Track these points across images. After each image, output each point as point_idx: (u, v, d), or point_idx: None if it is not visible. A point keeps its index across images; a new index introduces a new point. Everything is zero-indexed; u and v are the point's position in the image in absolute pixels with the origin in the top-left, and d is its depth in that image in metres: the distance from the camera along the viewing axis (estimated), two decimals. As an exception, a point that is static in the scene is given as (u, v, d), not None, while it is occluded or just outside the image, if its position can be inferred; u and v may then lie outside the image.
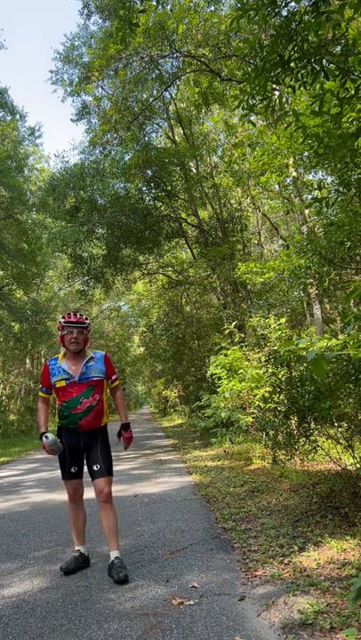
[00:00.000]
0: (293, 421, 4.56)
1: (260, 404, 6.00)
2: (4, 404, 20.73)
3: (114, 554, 3.06)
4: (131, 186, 13.33)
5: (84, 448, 3.23)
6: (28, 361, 25.88)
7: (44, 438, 3.08)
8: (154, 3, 8.86)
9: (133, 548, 3.56)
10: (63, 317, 3.29)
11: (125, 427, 3.39)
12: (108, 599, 2.68)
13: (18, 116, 19.61)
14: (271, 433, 4.71)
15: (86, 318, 3.35)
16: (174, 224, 15.03)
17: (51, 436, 3.09)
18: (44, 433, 3.13)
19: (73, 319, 3.26)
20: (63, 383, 3.21)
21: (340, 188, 4.65)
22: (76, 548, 3.27)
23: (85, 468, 3.27)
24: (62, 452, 3.21)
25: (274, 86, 4.00)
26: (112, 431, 3.24)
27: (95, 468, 3.17)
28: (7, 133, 18.92)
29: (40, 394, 3.38)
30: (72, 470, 3.23)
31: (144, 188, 13.98)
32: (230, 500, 4.87)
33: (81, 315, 3.33)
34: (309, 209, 8.06)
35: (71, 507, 3.28)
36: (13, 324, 20.43)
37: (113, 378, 3.38)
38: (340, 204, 5.35)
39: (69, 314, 3.30)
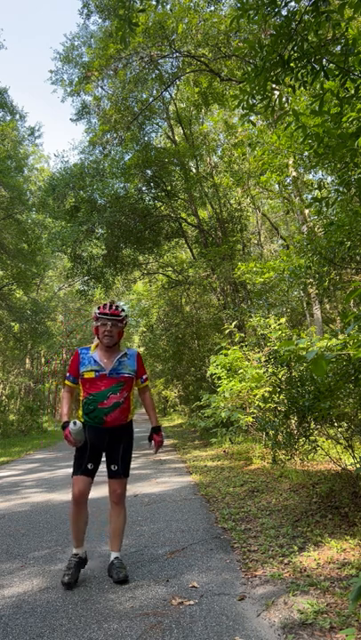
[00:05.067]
0: (293, 421, 4.56)
1: (260, 403, 6.00)
2: (3, 403, 20.74)
3: (114, 554, 3.03)
4: (130, 186, 13.33)
5: (106, 446, 3.09)
6: (27, 361, 25.91)
7: (71, 424, 2.90)
8: (154, 2, 8.87)
9: (133, 547, 3.56)
10: (98, 308, 3.10)
11: (156, 430, 3.25)
12: (108, 599, 2.68)
13: (18, 116, 19.62)
14: (271, 433, 4.71)
15: (122, 310, 3.12)
16: (174, 224, 15.04)
17: (79, 422, 2.92)
18: (69, 420, 2.97)
19: (107, 311, 3.05)
20: (92, 375, 3.03)
21: (341, 188, 4.64)
22: (74, 551, 3.07)
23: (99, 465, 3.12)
24: (82, 446, 3.03)
25: (274, 86, 3.99)
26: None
27: (113, 468, 3.07)
28: (7, 133, 18.93)
29: (66, 382, 3.17)
30: (88, 467, 3.03)
31: (144, 188, 13.99)
32: (230, 499, 4.87)
33: (117, 307, 3.10)
34: (309, 209, 8.06)
35: (74, 507, 3.04)
36: (13, 323, 20.44)
37: (143, 377, 3.23)
38: (340, 203, 5.34)
39: (105, 305, 3.09)
